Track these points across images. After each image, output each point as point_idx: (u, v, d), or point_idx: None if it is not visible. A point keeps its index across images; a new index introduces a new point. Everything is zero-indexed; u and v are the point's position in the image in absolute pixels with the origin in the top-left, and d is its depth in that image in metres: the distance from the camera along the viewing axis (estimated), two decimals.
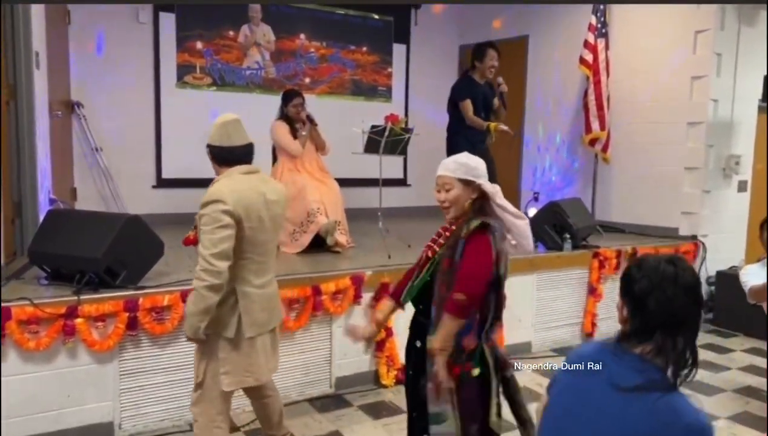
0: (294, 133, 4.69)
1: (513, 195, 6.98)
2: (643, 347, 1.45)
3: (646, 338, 1.45)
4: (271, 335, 2.56)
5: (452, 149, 5.03)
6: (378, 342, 3.93)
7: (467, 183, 2.14)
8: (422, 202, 7.24)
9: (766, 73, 5.23)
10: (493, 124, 4.95)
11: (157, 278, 3.43)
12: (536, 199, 6.88)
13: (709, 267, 5.64)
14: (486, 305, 2.12)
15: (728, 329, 5.34)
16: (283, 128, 4.71)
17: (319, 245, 4.63)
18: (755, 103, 5.79)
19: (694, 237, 5.60)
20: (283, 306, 2.69)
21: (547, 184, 6.87)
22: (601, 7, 5.77)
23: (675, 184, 5.67)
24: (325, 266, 4.16)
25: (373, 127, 4.55)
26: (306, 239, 4.57)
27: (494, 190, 2.16)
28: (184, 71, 6.12)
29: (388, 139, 4.54)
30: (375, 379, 3.96)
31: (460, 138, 4.98)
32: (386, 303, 2.45)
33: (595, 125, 5.84)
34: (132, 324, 3.17)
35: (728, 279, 5.47)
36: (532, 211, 6.56)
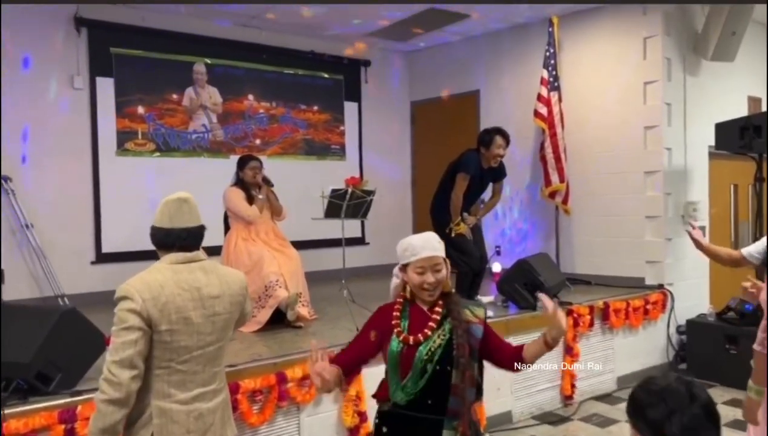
0: (250, 200, 4.41)
1: None
2: None
3: None
4: None
5: (438, 217, 4.80)
6: (350, 429, 3.57)
7: (445, 262, 2.12)
8: (381, 261, 7.00)
9: (717, 123, 5.32)
10: (458, 226, 4.66)
11: (98, 378, 2.99)
12: (498, 253, 6.74)
13: (677, 316, 5.57)
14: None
15: (704, 379, 5.21)
16: (238, 194, 4.44)
17: (278, 319, 4.28)
18: (705, 150, 5.89)
19: (660, 286, 5.54)
20: (232, 419, 2.23)
21: (501, 235, 6.75)
22: (552, 61, 5.82)
23: (637, 234, 5.64)
24: (288, 345, 3.81)
25: (333, 190, 4.31)
26: (264, 316, 4.22)
27: (449, 267, 2.17)
28: (124, 138, 5.76)
29: (349, 203, 4.30)
30: None
31: (446, 212, 4.73)
32: (332, 370, 2.08)
33: (554, 177, 5.79)
34: None
35: (699, 327, 5.41)
36: (496, 266, 6.42)
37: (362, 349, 2.18)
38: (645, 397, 1.39)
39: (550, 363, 4.69)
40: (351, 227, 6.79)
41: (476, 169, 4.77)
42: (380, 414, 2.17)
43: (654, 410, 1.36)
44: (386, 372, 2.15)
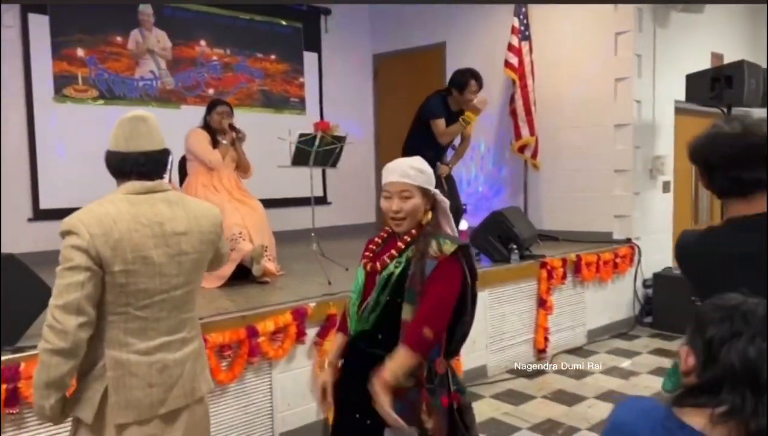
0: (214, 145, 4.07)
1: None
2: (711, 412, 1.10)
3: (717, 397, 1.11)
4: (170, 423, 1.80)
5: None
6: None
7: (425, 193, 1.92)
8: (345, 221, 6.74)
9: (687, 73, 5.26)
10: (468, 114, 4.47)
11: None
12: (465, 210, 6.58)
13: (644, 270, 5.58)
14: (455, 326, 1.92)
15: (670, 332, 5.26)
16: (202, 136, 4.11)
17: (242, 275, 3.98)
18: (672, 104, 5.86)
19: (628, 240, 5.52)
20: (208, 371, 1.95)
21: (473, 194, 6.60)
22: (523, 9, 5.61)
23: (605, 188, 5.58)
24: (255, 300, 3.53)
25: (301, 135, 3.99)
26: (227, 270, 3.89)
27: (446, 202, 2.00)
28: (62, 82, 5.21)
29: (318, 149, 4.00)
30: (325, 429, 3.36)
31: (429, 157, 4.51)
32: (338, 339, 2.04)
33: (525, 131, 5.64)
34: (11, 399, 2.40)
35: (665, 281, 5.43)
36: (463, 224, 6.26)
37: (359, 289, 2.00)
38: (710, 311, 1.18)
39: (524, 317, 4.59)
40: (308, 187, 6.45)
41: (445, 112, 4.56)
42: (345, 347, 2.02)
43: (714, 329, 1.14)
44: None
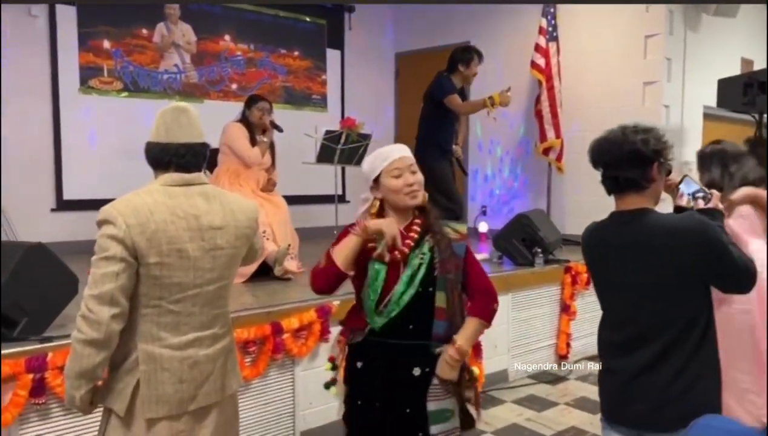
0: (252, 141, 4.02)
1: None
2: None
3: None
4: (201, 420, 1.77)
5: (425, 158, 4.55)
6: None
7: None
8: None
9: (719, 78, 5.17)
10: (494, 95, 4.51)
11: (70, 324, 2.62)
12: (484, 213, 6.54)
13: None
14: None
15: None
16: (242, 132, 4.05)
17: (264, 271, 3.95)
18: (701, 109, 5.76)
19: None
20: (239, 368, 1.93)
21: (490, 195, 6.54)
22: (551, 9, 5.54)
23: None
24: (279, 296, 3.51)
25: (327, 133, 3.95)
26: (250, 268, 3.85)
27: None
28: (88, 74, 5.23)
29: (343, 147, 3.96)
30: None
31: (443, 165, 4.58)
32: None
33: (550, 133, 5.57)
34: (37, 389, 2.39)
35: None
36: (483, 226, 6.21)
37: None
38: None
39: (546, 322, 4.53)
40: (331, 185, 6.44)
41: (455, 87, 4.63)
42: (352, 348, 1.96)
43: None
44: (357, 299, 1.98)
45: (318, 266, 1.93)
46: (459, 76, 4.61)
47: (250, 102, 4.20)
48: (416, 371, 1.88)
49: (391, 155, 1.91)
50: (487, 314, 1.94)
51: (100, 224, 1.65)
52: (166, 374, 1.70)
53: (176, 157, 1.75)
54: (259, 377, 3.02)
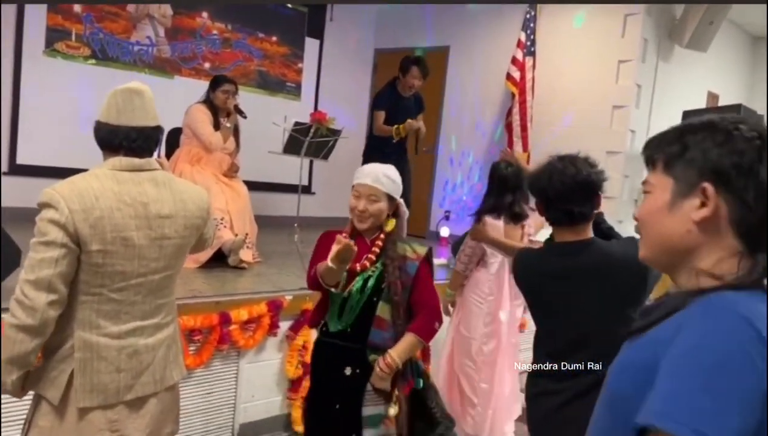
0: (216, 125, 3.93)
1: (423, 212, 6.62)
2: None
3: None
4: (136, 409, 1.73)
5: (365, 159, 4.81)
6: (293, 381, 3.29)
7: (391, 200, 2.09)
8: (328, 212, 6.66)
9: (685, 110, 5.31)
10: (401, 126, 4.62)
11: (9, 298, 2.54)
12: (447, 217, 6.58)
13: None
14: None
15: None
16: (204, 114, 3.96)
17: (218, 257, 3.90)
18: None
19: None
20: (182, 358, 1.90)
21: (457, 202, 6.59)
22: (531, 24, 5.59)
23: None
24: (230, 285, 3.47)
25: (296, 124, 3.91)
26: (204, 254, 3.80)
27: (407, 212, 2.19)
28: (55, 36, 5.05)
29: (312, 140, 3.93)
30: (287, 424, 3.32)
31: (372, 150, 4.76)
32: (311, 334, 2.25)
33: (518, 146, 5.63)
34: None
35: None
36: (445, 231, 6.25)
37: None
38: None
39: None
40: (295, 174, 6.39)
41: (390, 101, 4.75)
42: (314, 345, 2.21)
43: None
44: (321, 300, 2.18)
45: (310, 274, 2.11)
46: (400, 84, 4.73)
47: (215, 83, 4.07)
48: (347, 371, 2.04)
49: (360, 177, 2.07)
50: (425, 333, 2.04)
51: (42, 206, 1.59)
52: (102, 363, 1.66)
53: (127, 141, 1.69)
54: (203, 366, 2.98)
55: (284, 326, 3.25)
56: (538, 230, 3.36)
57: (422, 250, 2.12)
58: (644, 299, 1.79)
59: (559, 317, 1.86)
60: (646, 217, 0.95)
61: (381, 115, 4.76)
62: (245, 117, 4.08)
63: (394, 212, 2.12)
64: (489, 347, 3.19)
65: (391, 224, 2.10)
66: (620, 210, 5.55)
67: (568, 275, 1.81)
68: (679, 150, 0.91)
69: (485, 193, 3.36)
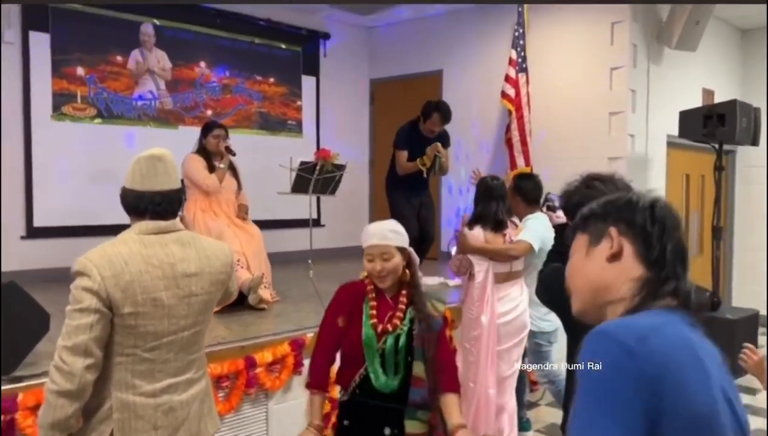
0: (211, 169, 4.06)
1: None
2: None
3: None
4: None
5: (392, 205, 5.08)
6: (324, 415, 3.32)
7: (402, 251, 2.13)
8: (337, 244, 6.75)
9: (681, 110, 5.38)
10: (424, 157, 4.78)
11: (41, 363, 2.62)
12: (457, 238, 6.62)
13: None
14: None
15: None
16: (198, 162, 4.10)
17: (237, 300, 3.95)
18: (663, 138, 5.97)
19: None
20: (216, 410, 2.00)
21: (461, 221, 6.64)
22: (521, 41, 5.71)
23: None
24: (252, 328, 3.53)
25: (302, 163, 4.01)
26: None
27: (416, 257, 2.21)
28: (61, 100, 5.21)
29: (318, 177, 4.03)
30: None
31: (397, 195, 4.98)
32: (315, 402, 2.16)
33: (520, 161, 5.70)
34: (8, 431, 2.36)
35: None
36: (454, 251, 6.29)
37: (337, 338, 2.15)
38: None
39: None
40: (306, 209, 6.49)
41: (410, 141, 4.89)
42: (342, 405, 2.17)
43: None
44: (346, 358, 2.15)
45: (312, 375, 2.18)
46: (422, 126, 4.88)
47: (206, 130, 4.25)
48: (387, 431, 2.05)
49: (367, 240, 2.10)
50: (458, 387, 2.13)
51: (75, 275, 1.68)
52: (140, 422, 1.73)
53: (152, 205, 1.78)
54: (233, 411, 3.03)
55: (308, 363, 3.29)
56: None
57: (442, 307, 2.19)
58: None
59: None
60: (570, 274, 1.13)
61: (404, 155, 4.87)
62: (234, 154, 4.24)
63: (408, 262, 2.15)
64: (476, 349, 3.38)
65: (406, 275, 2.14)
66: None
67: None
68: (589, 213, 1.13)
69: (474, 203, 3.59)
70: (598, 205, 1.12)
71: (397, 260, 2.09)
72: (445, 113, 4.80)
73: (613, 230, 1.06)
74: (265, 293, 4.08)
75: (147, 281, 1.70)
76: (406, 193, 4.98)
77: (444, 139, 5.00)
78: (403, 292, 2.12)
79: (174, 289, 1.75)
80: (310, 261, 4.25)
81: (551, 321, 3.64)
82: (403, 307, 2.10)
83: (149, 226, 1.78)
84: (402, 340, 2.06)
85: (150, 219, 1.78)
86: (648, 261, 1.03)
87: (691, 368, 0.90)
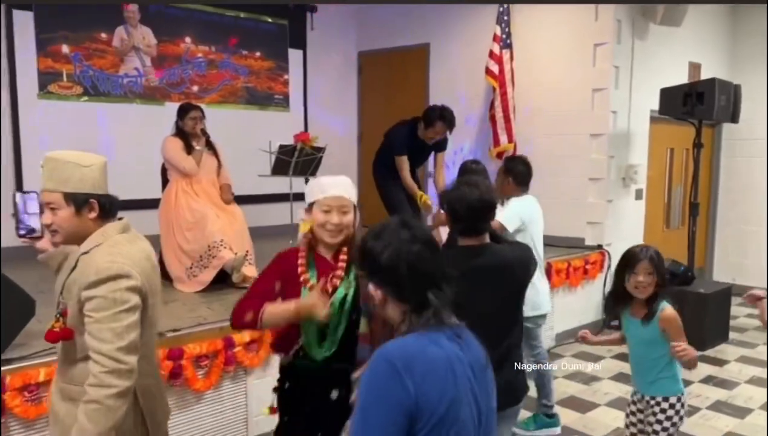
0: (189, 150, 4.14)
1: None
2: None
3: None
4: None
5: (374, 175, 4.91)
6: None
7: (355, 208, 2.06)
8: None
9: (662, 88, 5.42)
10: (423, 197, 4.68)
11: (29, 345, 2.77)
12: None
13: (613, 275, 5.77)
14: None
15: None
16: (175, 144, 4.17)
17: (221, 279, 4.11)
18: (647, 114, 6.01)
19: (599, 246, 5.71)
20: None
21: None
22: (505, 17, 5.71)
23: (579, 196, 5.74)
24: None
25: (281, 146, 4.10)
26: (207, 276, 4.03)
27: (358, 216, 2.12)
28: (47, 79, 5.26)
29: (298, 160, 4.11)
30: None
31: (388, 182, 4.81)
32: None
33: (503, 138, 5.78)
34: None
35: None
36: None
37: (267, 299, 2.00)
38: (372, 244, 1.43)
39: None
40: (295, 182, 6.57)
41: (408, 145, 4.70)
42: (282, 369, 2.12)
43: (384, 254, 1.41)
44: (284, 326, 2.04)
45: (243, 316, 2.01)
46: (421, 131, 4.70)
47: (182, 112, 4.26)
48: (334, 394, 1.99)
49: (328, 190, 1.98)
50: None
51: (113, 278, 1.70)
52: (157, 401, 1.94)
53: (116, 206, 1.89)
54: (212, 388, 3.19)
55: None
56: None
57: None
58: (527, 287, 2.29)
59: (465, 310, 2.09)
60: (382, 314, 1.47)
61: (405, 162, 4.67)
62: (208, 136, 4.26)
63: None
64: None
65: (352, 234, 2.04)
66: (609, 190, 5.70)
67: (471, 273, 2.05)
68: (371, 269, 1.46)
69: None
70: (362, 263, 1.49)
71: (352, 216, 2.02)
72: (450, 122, 4.61)
73: (371, 286, 1.44)
74: (250, 269, 4.20)
75: (152, 274, 1.85)
76: (398, 180, 4.85)
77: (442, 145, 4.91)
78: (344, 249, 2.03)
79: (157, 278, 1.92)
80: (291, 242, 4.37)
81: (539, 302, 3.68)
82: (344, 265, 2.00)
83: (125, 223, 1.89)
84: (349, 299, 1.98)
85: (117, 219, 1.89)
86: (401, 300, 1.39)
87: (438, 379, 1.25)
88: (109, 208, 1.84)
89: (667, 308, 2.51)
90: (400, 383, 1.22)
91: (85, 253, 1.78)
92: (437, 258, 1.44)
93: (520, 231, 3.50)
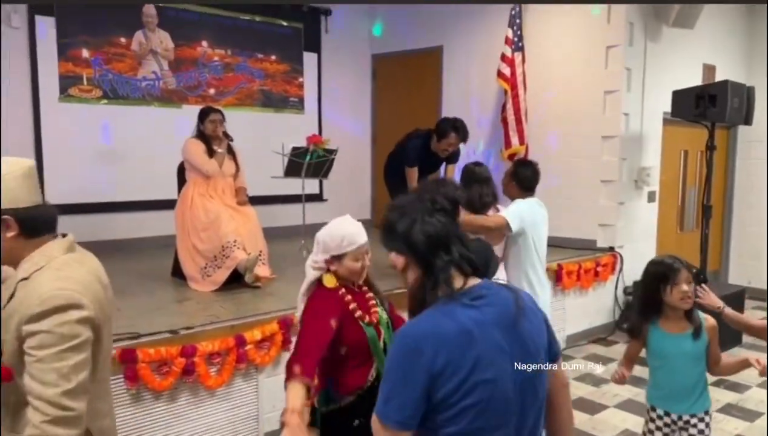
0: (210, 153, 4.23)
1: None
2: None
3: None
4: None
5: (385, 174, 4.94)
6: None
7: None
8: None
9: (674, 90, 5.41)
10: None
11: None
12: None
13: (625, 277, 5.77)
14: None
15: None
16: (197, 146, 4.26)
17: (235, 278, 4.20)
18: (660, 116, 6.00)
19: (611, 249, 5.71)
20: None
21: None
22: (517, 20, 5.73)
23: (591, 198, 5.75)
24: (247, 307, 3.75)
25: (294, 149, 4.18)
26: (221, 276, 4.13)
27: None
28: (68, 83, 5.40)
29: (310, 162, 4.19)
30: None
31: (393, 171, 4.79)
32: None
33: (515, 140, 5.80)
34: None
35: None
36: None
37: (328, 341, 2.04)
38: (390, 215, 1.49)
39: None
40: (309, 183, 6.66)
41: (420, 157, 4.69)
42: (346, 407, 2.09)
43: (401, 224, 1.45)
44: (351, 362, 2.08)
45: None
46: (434, 143, 4.66)
47: (203, 115, 4.35)
48: (356, 422, 2.02)
49: (357, 241, 2.10)
50: None
51: (61, 310, 1.44)
52: None
53: (53, 220, 1.58)
54: (224, 385, 3.28)
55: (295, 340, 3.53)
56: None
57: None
58: None
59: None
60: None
61: (415, 173, 4.65)
62: (231, 139, 4.38)
63: None
64: None
65: None
66: (621, 192, 5.70)
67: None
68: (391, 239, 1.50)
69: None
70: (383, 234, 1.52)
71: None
72: (463, 133, 4.57)
73: (392, 255, 1.50)
74: (263, 269, 4.30)
75: (103, 299, 1.58)
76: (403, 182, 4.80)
77: (454, 158, 4.86)
78: (363, 286, 2.20)
79: (105, 298, 1.61)
80: (303, 241, 4.45)
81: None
82: (372, 295, 2.17)
83: (70, 240, 1.59)
84: (390, 326, 2.14)
85: (57, 235, 1.58)
86: (418, 264, 1.44)
87: (450, 351, 1.31)
88: (33, 224, 1.52)
89: (707, 317, 2.41)
90: (416, 359, 1.30)
91: (25, 278, 1.49)
92: (449, 223, 1.45)
93: (520, 234, 3.53)
